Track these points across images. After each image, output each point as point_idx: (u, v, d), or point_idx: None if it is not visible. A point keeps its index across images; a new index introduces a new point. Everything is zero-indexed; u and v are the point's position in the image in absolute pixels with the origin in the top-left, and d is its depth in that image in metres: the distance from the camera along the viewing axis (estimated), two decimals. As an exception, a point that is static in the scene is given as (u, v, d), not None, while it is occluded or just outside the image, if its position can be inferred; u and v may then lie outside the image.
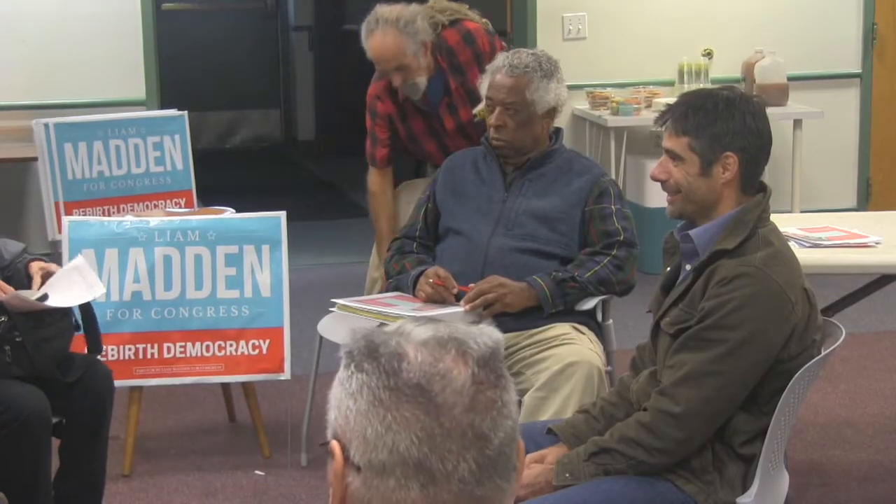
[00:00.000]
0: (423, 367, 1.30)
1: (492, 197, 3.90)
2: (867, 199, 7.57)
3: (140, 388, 4.46)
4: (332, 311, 3.89)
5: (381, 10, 4.44)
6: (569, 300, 3.75)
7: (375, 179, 4.73)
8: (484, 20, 4.73)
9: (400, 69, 4.43)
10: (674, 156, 2.89)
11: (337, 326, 4.06)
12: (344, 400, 1.33)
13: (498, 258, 3.79)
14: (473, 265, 3.80)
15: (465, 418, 1.29)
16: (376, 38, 4.41)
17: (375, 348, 1.33)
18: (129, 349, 4.38)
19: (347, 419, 1.32)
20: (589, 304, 3.80)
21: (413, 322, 1.36)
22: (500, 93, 3.83)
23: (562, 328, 3.71)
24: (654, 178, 2.94)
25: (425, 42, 4.44)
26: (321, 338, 4.21)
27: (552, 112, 3.89)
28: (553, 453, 2.92)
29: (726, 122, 2.84)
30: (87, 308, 3.72)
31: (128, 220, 4.47)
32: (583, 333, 3.72)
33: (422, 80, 4.46)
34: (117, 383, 3.84)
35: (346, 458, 1.32)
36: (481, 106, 4.38)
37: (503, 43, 4.67)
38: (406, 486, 1.29)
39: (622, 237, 3.80)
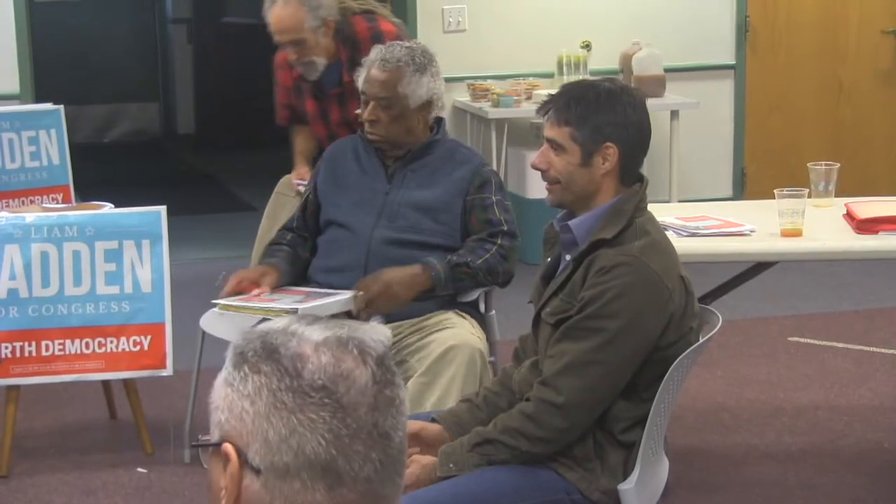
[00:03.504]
0: (327, 369, 1.30)
1: (374, 188, 3.87)
2: (742, 188, 7.71)
3: (17, 386, 4.37)
4: (214, 306, 3.85)
5: None
6: (460, 286, 3.76)
7: (296, 131, 4.70)
8: (397, 20, 4.65)
9: (296, 44, 4.29)
10: (555, 145, 2.91)
11: (219, 322, 4.02)
12: (238, 402, 1.31)
13: (381, 251, 3.78)
14: (357, 257, 3.79)
15: (369, 418, 1.30)
16: (276, 9, 4.29)
17: (275, 349, 1.31)
18: (6, 347, 4.29)
19: (243, 421, 1.30)
20: (472, 295, 3.81)
21: (300, 322, 1.35)
22: (374, 87, 3.81)
23: (443, 315, 3.72)
24: (535, 167, 2.96)
25: (327, 20, 4.30)
26: (204, 333, 4.17)
27: (427, 105, 3.86)
28: (430, 429, 2.93)
29: (607, 114, 2.87)
30: None
31: (3, 216, 4.38)
32: (464, 318, 3.74)
33: (320, 61, 4.34)
34: (-6, 382, 3.76)
35: (243, 461, 1.30)
36: None
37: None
38: (312, 488, 1.28)
39: (505, 228, 3.81)
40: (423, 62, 3.83)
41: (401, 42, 3.99)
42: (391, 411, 1.32)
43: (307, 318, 1.36)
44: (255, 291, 3.75)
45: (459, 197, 3.82)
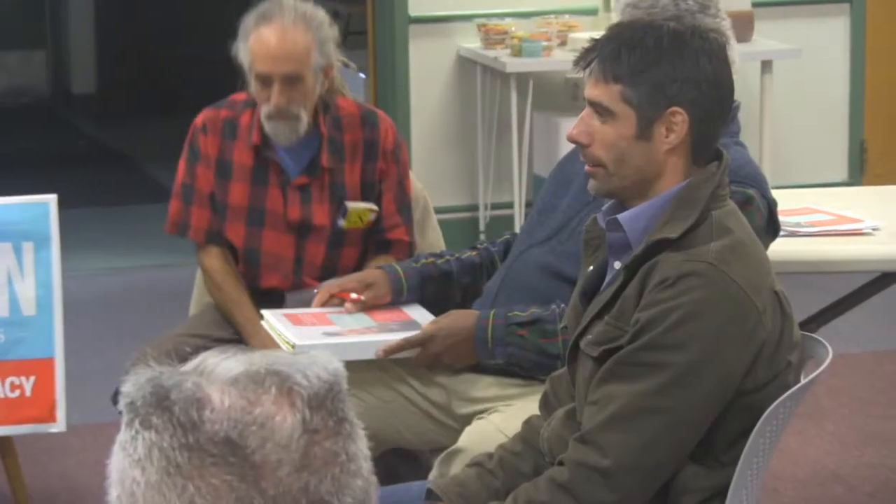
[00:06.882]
0: (233, 415, 1.30)
1: None
2: (861, 169, 7.72)
3: None
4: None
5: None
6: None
7: (213, 256, 4.26)
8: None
9: (295, 81, 4.12)
10: (600, 110, 2.92)
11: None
12: (128, 471, 1.32)
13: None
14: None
15: (295, 481, 1.30)
16: (276, 29, 4.07)
17: (165, 395, 1.31)
18: None
19: (134, 497, 1.31)
20: None
21: (217, 354, 1.35)
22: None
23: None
24: (572, 140, 2.97)
25: (328, 67, 4.18)
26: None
27: None
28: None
29: (673, 66, 2.88)
30: None
31: None
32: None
33: (305, 120, 4.12)
34: None
35: None
36: (357, 206, 4.20)
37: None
38: None
39: None
40: None
41: None
42: (332, 471, 1.32)
43: (229, 350, 1.36)
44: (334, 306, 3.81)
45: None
